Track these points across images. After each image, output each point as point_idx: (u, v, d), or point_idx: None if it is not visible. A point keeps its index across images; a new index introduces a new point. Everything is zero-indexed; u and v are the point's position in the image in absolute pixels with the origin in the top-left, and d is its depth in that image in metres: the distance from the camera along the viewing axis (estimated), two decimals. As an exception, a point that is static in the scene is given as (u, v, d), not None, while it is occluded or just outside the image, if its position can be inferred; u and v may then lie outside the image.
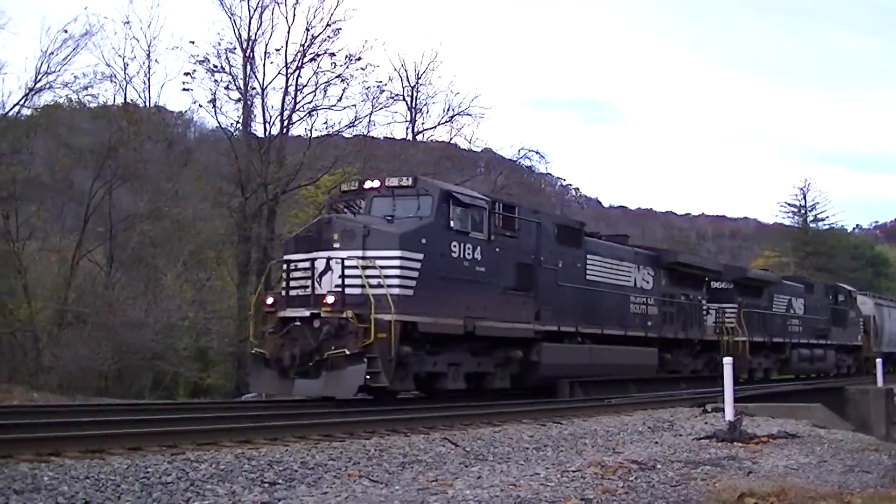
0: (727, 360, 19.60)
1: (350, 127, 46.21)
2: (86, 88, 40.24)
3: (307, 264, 21.06)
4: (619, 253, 31.98)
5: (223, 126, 44.99)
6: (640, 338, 31.59)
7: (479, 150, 62.85)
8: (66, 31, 39.75)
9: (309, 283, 20.88)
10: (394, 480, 11.66)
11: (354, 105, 50.72)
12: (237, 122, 43.54)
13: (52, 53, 38.79)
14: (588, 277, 28.99)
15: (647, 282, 32.99)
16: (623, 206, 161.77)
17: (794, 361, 46.06)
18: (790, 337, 45.76)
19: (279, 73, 43.76)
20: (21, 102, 38.55)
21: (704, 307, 38.01)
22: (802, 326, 47.69)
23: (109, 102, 45.58)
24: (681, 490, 11.59)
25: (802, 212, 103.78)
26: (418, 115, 55.93)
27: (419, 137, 56.41)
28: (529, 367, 25.40)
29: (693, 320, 36.25)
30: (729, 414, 18.57)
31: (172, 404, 22.06)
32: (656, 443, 17.07)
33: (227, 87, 43.20)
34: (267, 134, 43.32)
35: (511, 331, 24.26)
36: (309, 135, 44.73)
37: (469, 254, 22.85)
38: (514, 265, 24.58)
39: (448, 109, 55.08)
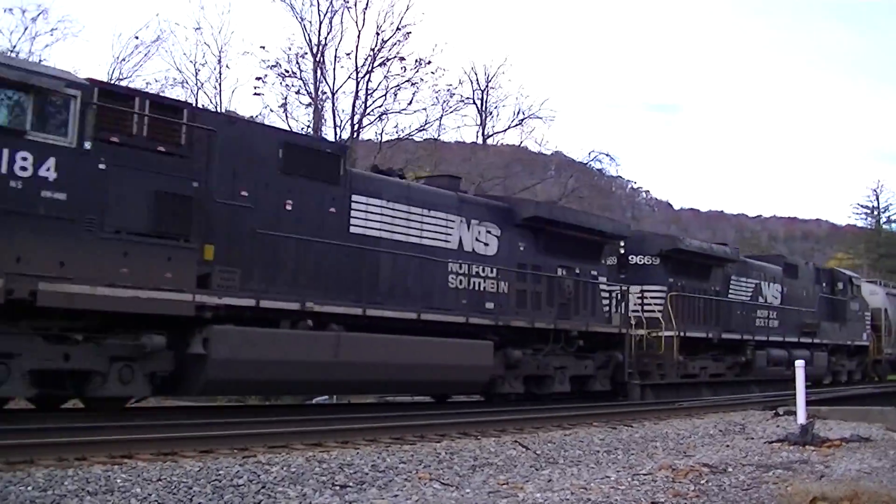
0: (799, 363, 19.31)
1: (420, 131, 46.41)
2: (158, 94, 40.54)
3: None
4: (425, 198, 22.41)
5: (294, 131, 45.17)
6: (463, 326, 21.91)
7: (549, 152, 63.00)
8: (137, 38, 40.18)
9: None
10: (464, 483, 11.64)
11: (424, 109, 50.93)
12: (308, 126, 43.67)
13: (124, 59, 39.33)
14: (353, 230, 20.16)
15: (488, 244, 23.65)
16: (694, 209, 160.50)
17: (760, 365, 34.66)
18: (756, 333, 35.17)
19: (349, 77, 43.89)
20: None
21: (610, 288, 27.88)
22: (779, 320, 37.39)
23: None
24: (752, 493, 11.47)
25: (875, 213, 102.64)
26: (488, 119, 55.99)
27: (489, 140, 56.48)
28: (190, 366, 16.71)
29: (581, 305, 26.28)
30: (801, 417, 18.36)
31: (243, 406, 22.16)
32: (728, 446, 16.92)
33: (297, 92, 43.46)
34: (337, 138, 43.42)
35: (124, 303, 15.39)
36: (379, 139, 44.86)
37: (25, 170, 14.45)
38: (146, 195, 15.96)
39: (518, 112, 55.12)
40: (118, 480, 10.05)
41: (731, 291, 34.78)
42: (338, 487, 10.90)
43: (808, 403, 19.20)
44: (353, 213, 20.20)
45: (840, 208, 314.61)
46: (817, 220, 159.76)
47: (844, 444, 16.81)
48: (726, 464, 13.78)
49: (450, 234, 22.60)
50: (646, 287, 29.95)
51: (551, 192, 55.08)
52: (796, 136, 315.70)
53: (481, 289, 23.07)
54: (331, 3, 43.06)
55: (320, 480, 11.16)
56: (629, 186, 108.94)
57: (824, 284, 42.18)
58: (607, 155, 65.45)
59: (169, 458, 11.94)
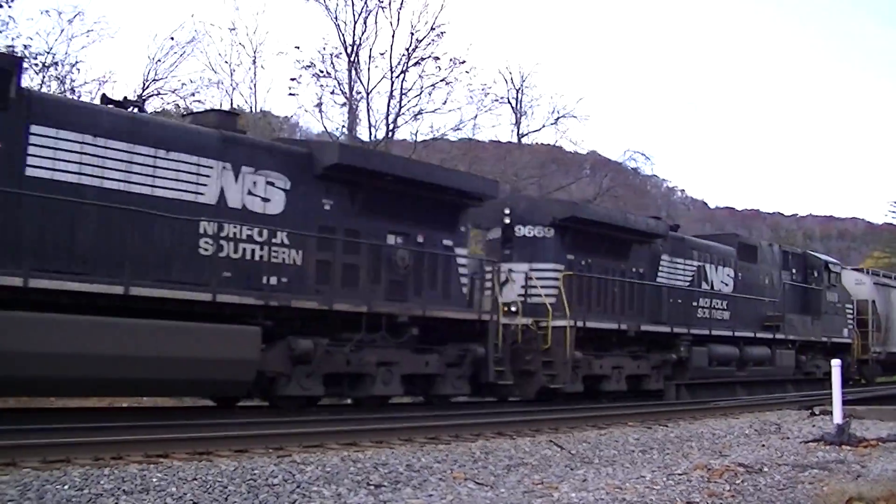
0: (835, 363, 19.19)
1: (455, 130, 46.40)
2: (193, 94, 40.84)
3: None
4: (163, 136, 17.02)
5: (329, 130, 45.31)
6: (214, 306, 16.47)
7: (584, 152, 62.93)
8: (172, 39, 40.32)
9: None
10: (499, 483, 11.63)
11: (459, 108, 51.03)
12: (343, 126, 43.78)
13: (159, 60, 39.44)
14: (31, 172, 15.02)
15: (269, 200, 18.10)
16: (730, 207, 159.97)
17: (699, 364, 28.05)
18: (696, 326, 28.48)
19: (384, 77, 43.94)
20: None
21: (470, 263, 22.78)
22: (729, 311, 31.04)
23: (216, 108, 46.16)
24: (788, 494, 11.40)
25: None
26: (523, 118, 55.85)
27: (524, 140, 56.37)
28: None
29: (426, 283, 20.96)
30: (837, 417, 18.23)
31: (278, 406, 22.16)
32: (763, 446, 16.84)
33: (332, 92, 43.56)
34: (372, 138, 43.46)
35: None
36: (414, 138, 44.85)
37: None
38: None
39: (553, 112, 54.93)
40: (154, 479, 10.10)
41: (660, 274, 28.15)
42: (372, 487, 10.91)
43: (845, 403, 19.08)
44: (31, 150, 15.03)
45: (877, 207, 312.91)
46: (853, 218, 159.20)
47: (881, 444, 16.67)
48: (762, 464, 13.70)
49: (204, 185, 17.18)
50: (534, 265, 24.45)
51: (587, 191, 55.08)
52: (834, 135, 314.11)
53: (256, 258, 17.61)
54: (365, 3, 43.18)
55: (355, 480, 11.17)
56: (664, 185, 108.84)
57: (794, 271, 35.45)
58: (642, 154, 65.32)
59: (204, 458, 11.99)
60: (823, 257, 39.27)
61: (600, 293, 25.65)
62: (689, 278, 29.25)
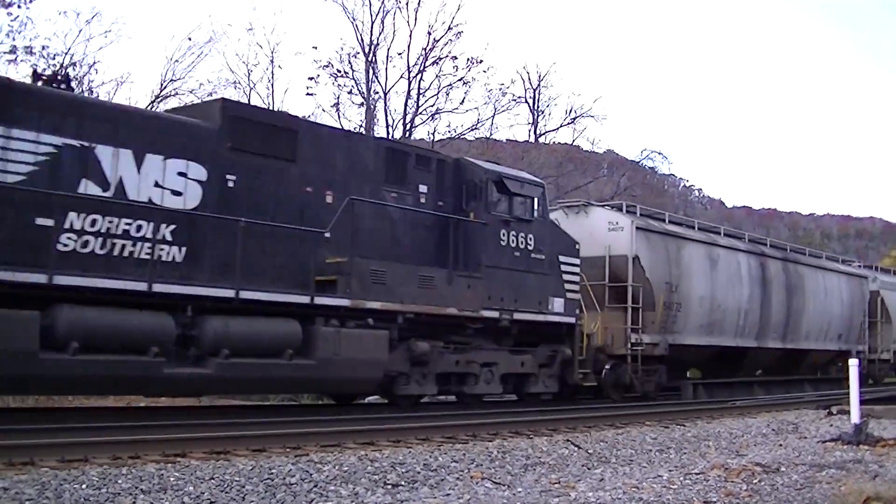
0: (853, 362, 19.10)
1: (473, 130, 46.46)
2: (210, 94, 40.86)
3: None
4: None
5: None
6: None
7: (601, 151, 62.77)
8: (190, 39, 40.43)
9: None
10: (516, 482, 11.62)
11: (477, 108, 51.03)
12: (360, 126, 43.80)
13: (177, 61, 39.58)
14: None
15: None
16: (747, 206, 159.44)
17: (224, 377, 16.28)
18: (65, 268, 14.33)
19: (401, 76, 43.99)
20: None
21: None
22: (187, 247, 16.19)
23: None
24: (805, 493, 11.36)
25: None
26: (540, 117, 55.82)
27: (541, 139, 56.34)
28: None
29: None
30: (855, 416, 18.15)
31: (296, 406, 22.29)
32: (780, 445, 16.80)
33: (349, 92, 43.64)
34: (390, 137, 43.49)
35: None
36: (432, 138, 44.85)
37: None
38: None
39: (570, 111, 54.89)
40: (171, 479, 10.14)
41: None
42: (390, 486, 10.92)
43: (862, 402, 19.01)
44: None
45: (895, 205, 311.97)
46: (871, 217, 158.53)
47: (900, 444, 16.64)
48: (779, 463, 13.67)
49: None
50: None
51: (604, 190, 54.96)
52: (852, 133, 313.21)
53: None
54: (382, 2, 43.24)
55: (372, 479, 11.19)
56: (682, 185, 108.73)
57: (420, 187, 20.57)
58: (660, 153, 65.28)
59: (222, 457, 12.03)
60: (500, 170, 22.50)
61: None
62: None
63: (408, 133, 44.29)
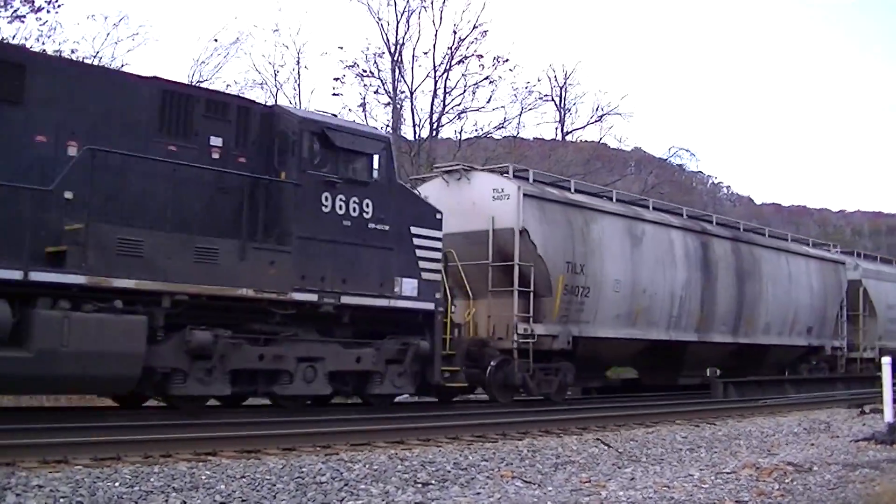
0: (886, 360, 18.99)
1: (499, 128, 46.51)
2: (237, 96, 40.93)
3: None
4: None
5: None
6: None
7: (629, 149, 62.73)
8: (216, 40, 40.49)
9: None
10: (546, 481, 11.63)
11: (503, 106, 51.09)
12: (387, 125, 43.92)
13: (203, 62, 39.68)
14: None
15: None
16: (776, 203, 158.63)
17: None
18: None
19: (427, 76, 44.09)
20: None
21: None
22: None
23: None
24: (838, 493, 11.32)
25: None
26: (567, 115, 55.86)
27: (569, 137, 56.38)
28: None
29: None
30: (888, 415, 18.07)
31: (327, 405, 22.30)
32: (812, 444, 16.74)
33: (376, 92, 43.77)
34: (416, 137, 43.60)
35: None
36: (458, 137, 44.96)
37: None
38: None
39: (597, 109, 54.94)
40: (203, 477, 10.18)
41: None
42: (420, 485, 10.94)
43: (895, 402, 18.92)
44: None
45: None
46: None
47: (934, 443, 16.55)
48: (811, 463, 13.63)
49: None
50: None
51: (632, 188, 54.90)
52: (882, 128, 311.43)
53: None
54: (408, 2, 43.39)
55: (403, 478, 11.21)
56: (710, 182, 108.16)
57: (215, 142, 16.74)
58: (687, 150, 65.15)
59: (252, 456, 12.07)
60: (324, 119, 18.27)
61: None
62: None
63: (435, 132, 44.36)
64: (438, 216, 19.45)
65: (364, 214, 17.77)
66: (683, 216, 27.95)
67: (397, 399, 20.21)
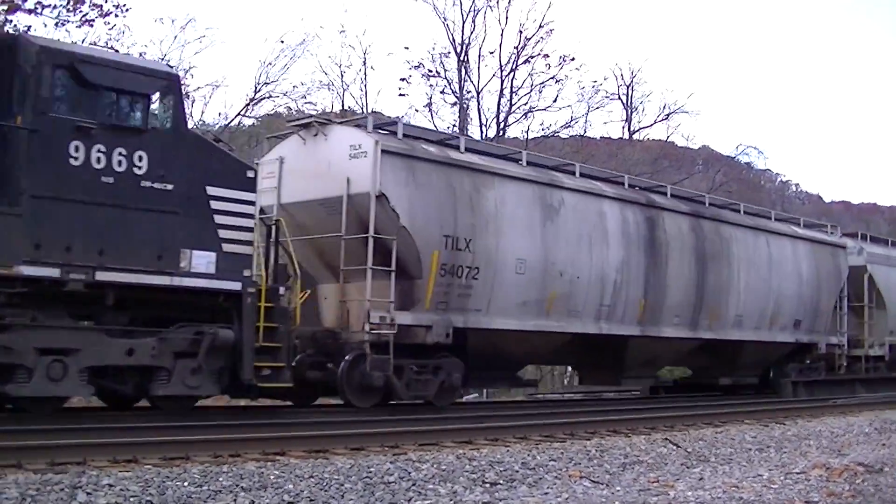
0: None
1: (566, 127, 46.41)
2: (304, 97, 41.17)
3: None
4: None
5: (440, 130, 45.52)
6: None
7: (696, 147, 62.37)
8: (282, 42, 40.72)
9: None
10: (614, 481, 11.58)
11: (570, 105, 50.98)
12: (453, 125, 43.94)
13: (270, 64, 39.88)
14: None
15: None
16: (845, 201, 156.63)
17: None
18: None
19: (494, 75, 44.02)
20: (242, 112, 39.65)
21: None
22: None
23: (328, 110, 46.66)
24: (911, 494, 11.19)
25: None
26: (634, 114, 55.66)
27: (636, 136, 56.17)
28: None
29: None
30: (963, 416, 17.82)
31: (393, 406, 22.30)
32: (884, 445, 16.54)
33: (442, 92, 43.78)
34: (483, 136, 43.55)
35: None
36: (525, 136, 44.88)
37: None
38: None
39: (664, 107, 54.69)
40: (271, 476, 10.22)
41: None
42: (488, 485, 10.93)
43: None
44: None
45: None
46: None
47: None
48: (883, 463, 13.46)
49: None
50: None
51: (699, 186, 54.62)
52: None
53: None
54: (473, 1, 43.32)
55: (470, 478, 11.20)
56: (778, 180, 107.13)
57: None
58: (755, 148, 64.78)
59: (320, 456, 12.09)
60: (77, 50, 14.61)
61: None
62: None
63: (501, 132, 44.32)
64: (250, 174, 15.39)
65: (134, 169, 13.69)
66: (625, 185, 23.23)
67: (464, 399, 18.56)
